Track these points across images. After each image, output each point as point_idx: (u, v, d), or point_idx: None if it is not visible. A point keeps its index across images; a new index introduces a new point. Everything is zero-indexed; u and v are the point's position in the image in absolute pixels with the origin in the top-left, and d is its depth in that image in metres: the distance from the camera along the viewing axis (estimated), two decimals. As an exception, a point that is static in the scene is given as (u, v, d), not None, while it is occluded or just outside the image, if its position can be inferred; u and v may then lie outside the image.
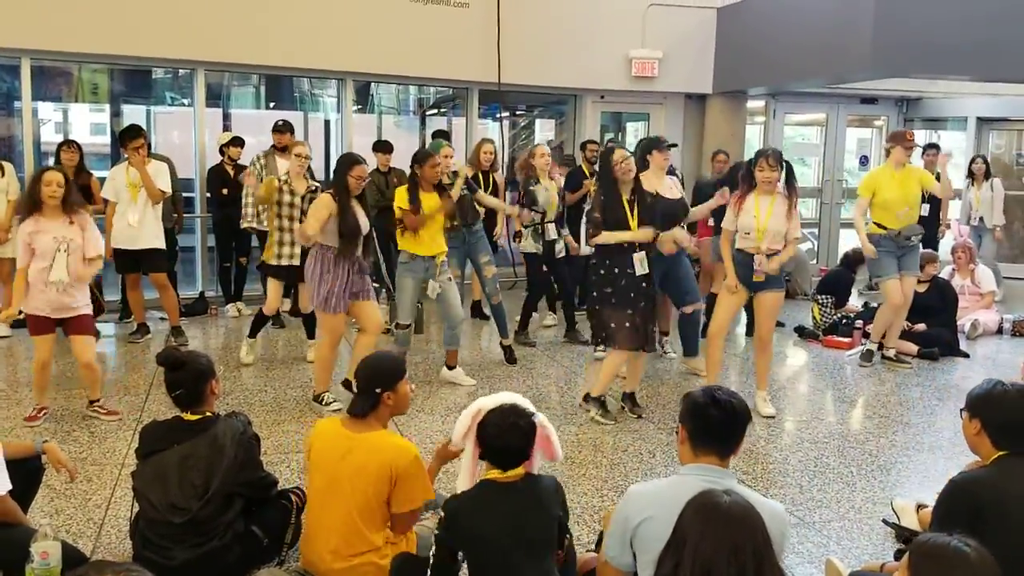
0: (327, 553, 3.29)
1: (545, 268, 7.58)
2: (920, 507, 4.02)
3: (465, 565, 2.95)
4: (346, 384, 5.72)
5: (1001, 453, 2.93)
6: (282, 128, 8.06)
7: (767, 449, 5.16)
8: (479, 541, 2.86)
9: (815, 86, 10.94)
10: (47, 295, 5.18)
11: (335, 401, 5.62)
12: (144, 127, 8.10)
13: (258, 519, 3.48)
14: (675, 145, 6.97)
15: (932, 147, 10.23)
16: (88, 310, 5.38)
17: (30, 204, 5.18)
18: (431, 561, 2.92)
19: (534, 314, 7.74)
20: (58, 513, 4.02)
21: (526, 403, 3.07)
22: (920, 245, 7.09)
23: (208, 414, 3.49)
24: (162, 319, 7.89)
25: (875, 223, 6.89)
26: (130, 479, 3.49)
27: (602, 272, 5.46)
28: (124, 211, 7.14)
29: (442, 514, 2.91)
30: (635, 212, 5.43)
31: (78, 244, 5.19)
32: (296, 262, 6.55)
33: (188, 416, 3.47)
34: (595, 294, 5.50)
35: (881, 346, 7.22)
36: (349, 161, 5.50)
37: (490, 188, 7.56)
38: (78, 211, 5.25)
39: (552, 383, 6.48)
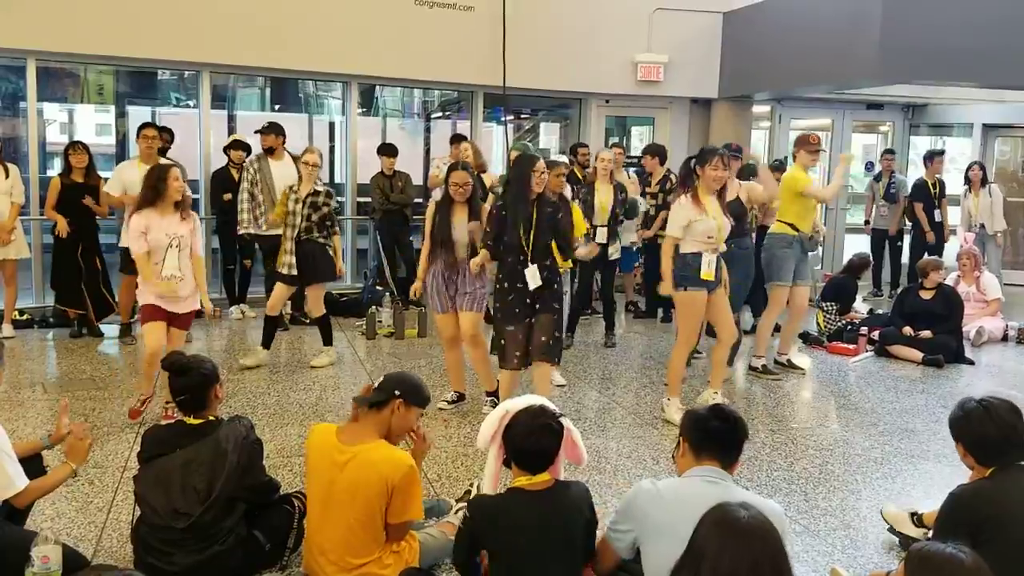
0: (327, 564, 3.29)
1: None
2: (913, 515, 4.00)
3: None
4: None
5: (995, 467, 2.91)
6: (266, 130, 7.92)
7: (771, 456, 5.13)
8: (504, 547, 2.83)
9: (821, 92, 10.92)
10: (158, 289, 5.29)
11: (444, 400, 5.87)
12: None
13: (260, 524, 3.47)
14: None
15: (939, 153, 10.23)
16: (194, 306, 5.48)
17: (151, 198, 5.30)
18: (456, 539, 2.92)
19: None
20: (59, 516, 4.01)
21: (552, 407, 3.06)
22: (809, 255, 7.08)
23: (211, 418, 3.49)
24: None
25: (787, 223, 6.75)
26: (132, 483, 3.48)
27: (497, 287, 5.28)
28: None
29: (467, 511, 2.88)
30: (532, 228, 5.13)
31: (188, 241, 5.35)
32: (294, 271, 6.57)
33: (191, 420, 3.47)
34: (496, 306, 5.34)
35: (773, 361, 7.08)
36: (449, 168, 5.59)
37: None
38: (189, 209, 5.41)
39: (552, 387, 6.44)
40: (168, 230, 5.27)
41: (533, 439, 2.90)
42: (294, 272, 6.58)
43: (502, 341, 5.27)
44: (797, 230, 6.74)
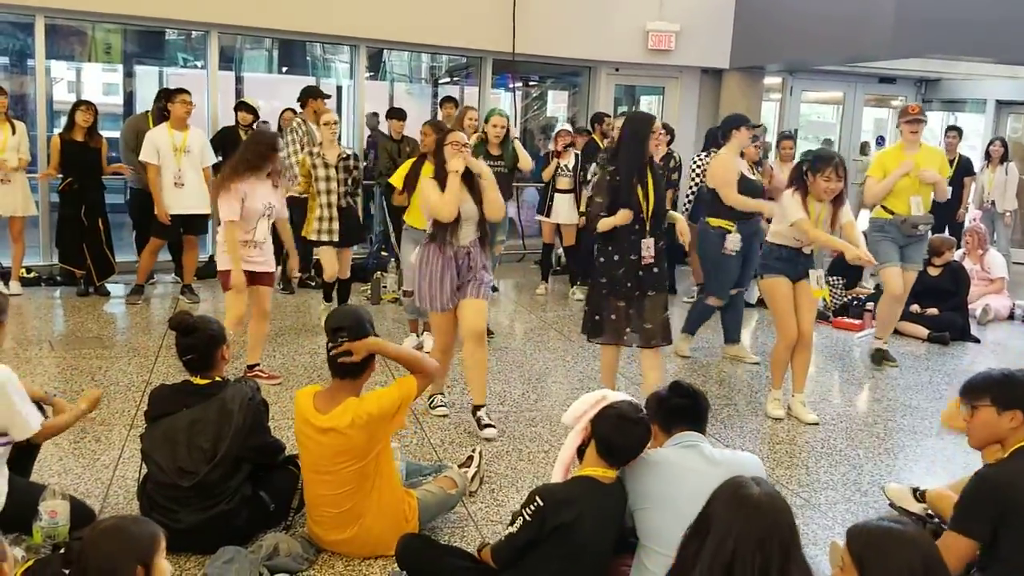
0: (322, 529, 3.37)
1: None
2: (915, 491, 4.00)
3: None
4: None
5: (1021, 444, 2.84)
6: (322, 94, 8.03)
7: (774, 429, 5.15)
8: (566, 533, 2.79)
9: (834, 64, 10.82)
10: (245, 253, 5.27)
11: (443, 406, 5.13)
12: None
13: (265, 484, 3.50)
14: (759, 126, 6.68)
15: (952, 129, 10.10)
16: (273, 265, 5.56)
17: (258, 165, 5.21)
18: (514, 536, 2.85)
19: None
20: (66, 472, 4.05)
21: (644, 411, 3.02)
22: (928, 235, 6.66)
23: (218, 379, 3.51)
24: (175, 281, 7.96)
25: (882, 206, 6.40)
26: (138, 440, 3.51)
27: (602, 260, 4.86)
28: (165, 174, 7.18)
29: (539, 501, 2.81)
30: (647, 192, 4.76)
31: (277, 208, 5.39)
32: (336, 238, 6.57)
33: (197, 380, 3.49)
34: (598, 280, 4.92)
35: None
36: (444, 130, 5.07)
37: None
38: (278, 176, 5.42)
39: (559, 357, 6.46)
40: (264, 199, 5.28)
41: (625, 428, 2.85)
42: (335, 238, 6.57)
43: (600, 316, 4.89)
44: (892, 212, 6.32)
